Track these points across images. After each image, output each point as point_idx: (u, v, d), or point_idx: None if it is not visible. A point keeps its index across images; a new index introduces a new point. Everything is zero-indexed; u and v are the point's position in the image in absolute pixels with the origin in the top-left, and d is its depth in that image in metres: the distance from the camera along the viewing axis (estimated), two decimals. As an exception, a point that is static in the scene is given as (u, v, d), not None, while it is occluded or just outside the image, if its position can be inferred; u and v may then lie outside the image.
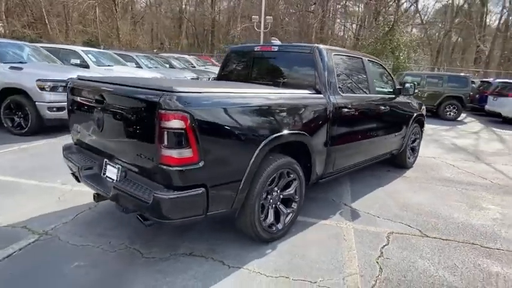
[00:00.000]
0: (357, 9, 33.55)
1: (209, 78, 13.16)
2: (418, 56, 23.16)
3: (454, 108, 12.21)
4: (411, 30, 21.55)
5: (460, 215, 3.81)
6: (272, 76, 3.78)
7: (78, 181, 3.11)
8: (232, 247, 2.86)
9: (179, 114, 2.10)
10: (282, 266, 2.63)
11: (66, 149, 3.22)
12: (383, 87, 4.63)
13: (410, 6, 26.66)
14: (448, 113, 12.26)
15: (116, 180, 2.63)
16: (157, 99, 2.13)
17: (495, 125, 11.79)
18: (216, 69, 16.34)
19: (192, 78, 11.68)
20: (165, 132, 2.12)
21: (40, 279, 2.37)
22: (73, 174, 3.11)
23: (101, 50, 11.32)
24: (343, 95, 3.55)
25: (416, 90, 5.09)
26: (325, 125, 3.28)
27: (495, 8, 34.06)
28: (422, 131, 5.73)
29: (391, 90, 4.73)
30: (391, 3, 22.75)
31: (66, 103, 3.25)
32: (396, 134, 4.77)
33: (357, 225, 3.41)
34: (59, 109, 5.92)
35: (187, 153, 2.16)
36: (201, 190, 2.28)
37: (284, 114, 2.84)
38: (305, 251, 2.86)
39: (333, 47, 3.80)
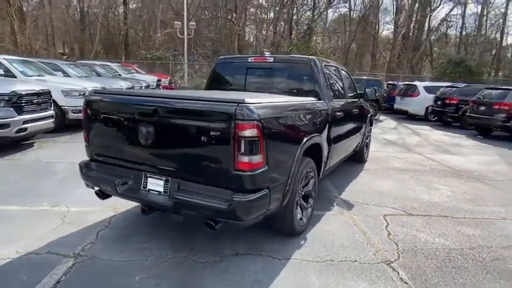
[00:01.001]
0: (267, 16, 35.08)
1: (142, 87, 12.73)
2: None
3: (372, 108, 14.00)
4: (324, 39, 23.83)
5: (425, 195, 4.66)
6: (271, 86, 4.12)
7: (103, 198, 3.03)
8: (268, 243, 3.12)
9: (253, 124, 2.32)
10: (321, 253, 3.00)
11: (85, 166, 3.07)
12: (350, 92, 5.34)
13: (320, 15, 29.13)
14: (368, 113, 14.03)
15: (164, 192, 2.69)
16: (233, 111, 2.32)
17: (404, 120, 13.91)
18: (143, 77, 15.79)
19: (127, 88, 11.17)
20: (242, 141, 2.32)
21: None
22: (99, 191, 3.01)
23: (24, 59, 10.06)
24: (334, 100, 4.09)
25: (377, 94, 5.95)
26: (327, 126, 3.75)
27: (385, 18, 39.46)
28: (371, 129, 6.68)
29: (354, 94, 5.46)
30: (305, 12, 24.78)
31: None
32: (360, 132, 5.53)
33: (356, 212, 3.96)
34: None
35: (258, 158, 2.39)
36: (266, 191, 2.52)
37: (310, 118, 3.24)
38: (331, 238, 3.27)
39: (321, 58, 4.31)
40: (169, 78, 19.67)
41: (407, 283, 2.62)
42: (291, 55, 5.19)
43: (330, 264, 2.83)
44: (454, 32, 39.73)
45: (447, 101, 12.17)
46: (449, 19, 34.86)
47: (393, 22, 34.36)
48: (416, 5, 31.48)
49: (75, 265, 2.67)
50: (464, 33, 36.08)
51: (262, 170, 2.45)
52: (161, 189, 2.73)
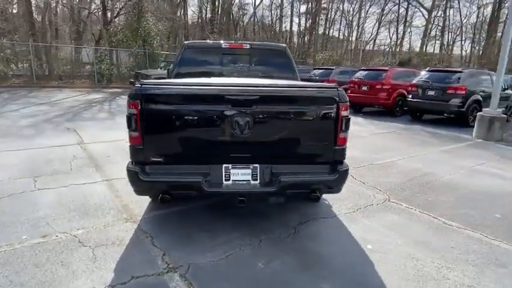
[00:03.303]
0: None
1: None
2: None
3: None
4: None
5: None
6: (248, 71, 4.37)
7: (168, 200, 2.76)
8: (311, 210, 3.64)
9: (348, 105, 2.79)
10: (348, 207, 3.78)
11: (142, 171, 2.66)
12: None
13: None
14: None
15: (253, 179, 2.79)
16: (336, 94, 2.70)
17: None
18: None
19: None
20: (343, 120, 2.76)
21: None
22: (167, 194, 2.71)
23: None
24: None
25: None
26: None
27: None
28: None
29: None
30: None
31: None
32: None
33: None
34: None
35: (347, 134, 2.89)
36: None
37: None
38: (338, 196, 4.08)
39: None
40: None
41: (401, 204, 3.78)
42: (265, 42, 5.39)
43: (360, 211, 3.66)
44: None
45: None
46: None
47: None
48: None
49: (189, 272, 2.45)
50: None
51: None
52: (249, 177, 2.79)
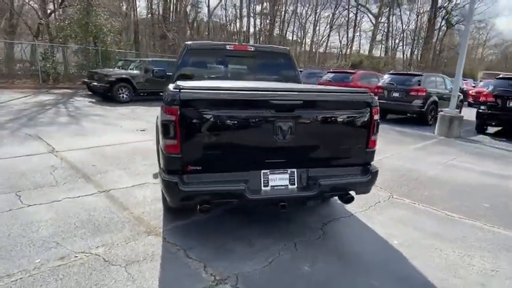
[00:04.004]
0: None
1: None
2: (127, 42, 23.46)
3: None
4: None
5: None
6: (254, 73, 4.33)
7: (207, 210, 2.64)
8: (330, 210, 3.71)
9: (378, 109, 2.89)
10: (359, 205, 3.91)
11: (181, 181, 2.51)
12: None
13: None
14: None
15: (291, 183, 2.78)
16: (370, 99, 2.78)
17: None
18: None
19: None
20: (375, 123, 2.85)
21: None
22: (207, 204, 2.59)
23: None
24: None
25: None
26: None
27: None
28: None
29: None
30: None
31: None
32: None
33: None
34: None
35: (377, 137, 2.99)
36: None
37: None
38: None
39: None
40: None
41: (404, 200, 4.02)
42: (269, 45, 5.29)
43: (372, 208, 3.81)
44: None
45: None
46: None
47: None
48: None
49: (238, 286, 2.37)
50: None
51: (376, 146, 3.05)
52: (287, 182, 2.77)
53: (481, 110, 8.73)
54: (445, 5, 37.12)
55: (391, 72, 11.71)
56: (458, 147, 7.42)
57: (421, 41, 38.24)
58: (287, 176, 2.76)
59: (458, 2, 36.39)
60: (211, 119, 2.51)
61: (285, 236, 3.10)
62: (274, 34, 41.48)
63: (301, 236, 3.11)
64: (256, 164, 2.70)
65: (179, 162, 2.53)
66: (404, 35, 40.95)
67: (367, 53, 40.14)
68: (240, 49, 4.27)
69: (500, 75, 9.24)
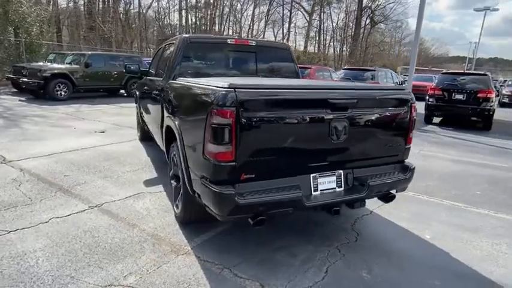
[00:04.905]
0: None
1: None
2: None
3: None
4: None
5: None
6: (256, 68, 4.07)
7: (263, 223, 2.39)
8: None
9: (415, 105, 2.88)
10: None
11: (239, 193, 2.21)
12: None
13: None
14: (133, 90, 13.67)
15: (339, 186, 2.65)
16: (410, 96, 2.75)
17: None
18: None
19: None
20: (414, 120, 2.83)
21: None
22: (263, 215, 2.33)
23: None
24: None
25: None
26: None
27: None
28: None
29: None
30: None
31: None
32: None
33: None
34: None
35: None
36: None
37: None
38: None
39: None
40: None
41: (408, 193, 4.15)
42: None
43: (386, 204, 3.85)
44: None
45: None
46: None
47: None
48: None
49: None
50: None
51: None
52: (334, 184, 2.63)
53: (429, 102, 9.51)
54: (369, 5, 40.09)
55: (345, 67, 12.20)
56: (418, 137, 7.97)
57: (349, 38, 40.80)
58: (334, 178, 2.61)
59: (379, 2, 39.57)
60: (267, 121, 2.24)
61: (322, 241, 2.95)
62: (209, 29, 40.83)
63: (339, 240, 2.98)
64: (306, 168, 2.50)
65: (233, 171, 2.21)
66: (334, 32, 43.36)
67: (302, 48, 41.63)
68: (241, 43, 3.98)
69: (444, 71, 10.18)
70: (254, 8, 40.56)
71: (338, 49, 43.49)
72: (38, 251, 2.60)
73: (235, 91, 2.12)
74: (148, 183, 4.17)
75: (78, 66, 12.25)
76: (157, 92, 3.87)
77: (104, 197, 3.68)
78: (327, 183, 2.58)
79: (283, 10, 41.95)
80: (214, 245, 2.83)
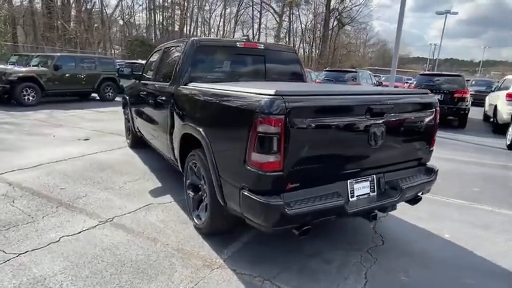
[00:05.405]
0: None
1: None
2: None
3: (111, 89, 13.19)
4: None
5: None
6: (265, 72, 4.01)
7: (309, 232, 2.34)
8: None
9: (438, 109, 2.94)
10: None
11: (288, 205, 2.15)
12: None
13: None
14: (107, 94, 13.08)
15: (372, 190, 2.65)
16: (435, 100, 2.82)
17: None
18: None
19: None
20: (437, 124, 2.90)
21: None
22: (307, 225, 2.28)
23: None
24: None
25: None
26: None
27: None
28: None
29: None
30: None
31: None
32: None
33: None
34: None
35: (434, 136, 3.05)
36: None
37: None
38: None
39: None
40: None
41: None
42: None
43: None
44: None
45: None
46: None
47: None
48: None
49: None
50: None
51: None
52: (368, 190, 2.63)
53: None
54: (337, 7, 41.22)
55: (327, 69, 12.41)
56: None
57: (317, 40, 41.70)
58: (368, 183, 2.61)
59: (346, 5, 40.79)
60: (313, 128, 2.18)
61: (350, 245, 2.95)
62: (176, 29, 40.18)
63: (367, 243, 2.99)
64: (344, 174, 2.48)
65: (280, 181, 2.14)
66: (303, 34, 44.14)
67: (273, 49, 41.88)
68: (250, 46, 3.90)
69: (421, 72, 10.62)
70: (223, 9, 40.35)
71: (308, 50, 44.33)
72: (58, 275, 2.39)
73: (283, 98, 2.05)
74: (154, 193, 3.98)
75: (46, 68, 11.53)
76: (164, 98, 3.70)
77: (111, 210, 3.46)
78: (361, 189, 2.57)
79: (252, 11, 42.14)
80: (245, 255, 2.74)
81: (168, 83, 3.70)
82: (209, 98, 2.73)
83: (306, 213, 2.18)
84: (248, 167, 2.19)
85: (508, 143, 7.21)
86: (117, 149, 5.94)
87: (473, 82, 18.65)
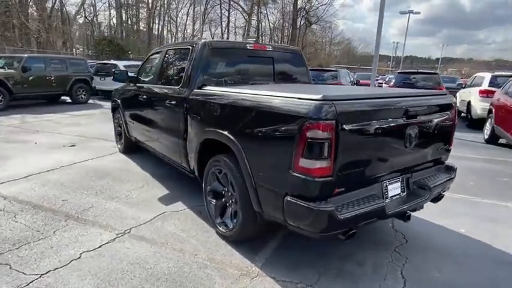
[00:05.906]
0: None
1: None
2: None
3: (83, 91, 12.58)
4: None
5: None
6: (275, 75, 3.99)
7: (352, 236, 2.36)
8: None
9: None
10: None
11: (338, 206, 2.15)
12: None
13: None
14: (80, 96, 12.47)
15: (402, 191, 2.71)
16: (454, 100, 2.93)
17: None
18: None
19: None
20: (456, 122, 3.02)
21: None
22: (353, 229, 2.29)
23: None
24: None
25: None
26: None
27: None
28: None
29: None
30: None
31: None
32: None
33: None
34: None
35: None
36: None
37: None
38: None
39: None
40: None
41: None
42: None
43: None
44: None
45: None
46: None
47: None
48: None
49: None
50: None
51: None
52: (399, 190, 2.68)
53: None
54: (304, 6, 41.83)
55: (312, 68, 12.51)
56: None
57: (285, 38, 42.12)
58: (399, 184, 2.66)
59: (313, 4, 41.51)
60: (360, 131, 2.20)
61: (377, 245, 3.00)
62: (141, 27, 39.10)
63: (392, 242, 3.06)
64: (380, 176, 2.51)
65: (328, 186, 2.13)
66: (271, 33, 44.42)
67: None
68: (259, 48, 3.85)
69: (399, 71, 11.02)
70: (190, 7, 39.70)
71: (278, 49, 44.67)
72: (93, 294, 2.24)
73: (333, 103, 2.04)
74: (165, 201, 3.84)
75: (14, 70, 10.80)
76: (174, 102, 3.57)
77: (125, 221, 3.30)
78: (394, 190, 2.61)
79: (221, 9, 41.80)
80: (279, 261, 2.71)
81: (177, 87, 3.57)
82: (240, 103, 2.66)
83: (354, 217, 2.19)
84: (294, 173, 2.15)
85: (486, 137, 7.66)
86: (108, 155, 5.68)
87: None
